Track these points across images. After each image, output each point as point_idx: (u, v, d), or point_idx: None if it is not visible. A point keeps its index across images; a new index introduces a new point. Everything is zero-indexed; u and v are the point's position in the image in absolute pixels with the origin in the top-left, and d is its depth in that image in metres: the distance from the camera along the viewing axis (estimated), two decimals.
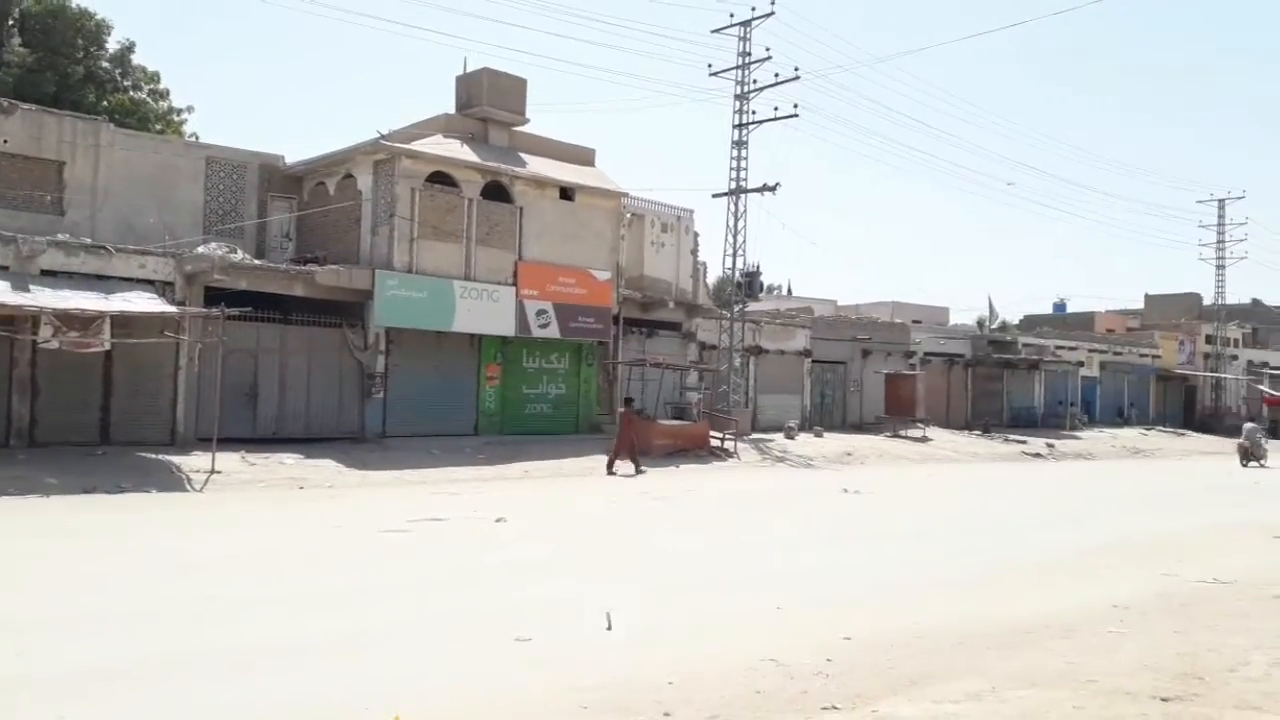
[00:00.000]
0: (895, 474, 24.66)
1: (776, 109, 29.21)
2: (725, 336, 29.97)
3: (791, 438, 29.53)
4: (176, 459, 17.59)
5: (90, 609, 7.50)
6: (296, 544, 11.35)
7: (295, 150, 54.04)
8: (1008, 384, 42.03)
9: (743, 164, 29.62)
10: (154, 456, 17.71)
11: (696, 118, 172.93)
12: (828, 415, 34.91)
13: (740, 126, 29.58)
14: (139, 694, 5.49)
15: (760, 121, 29.48)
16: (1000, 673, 6.19)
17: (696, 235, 30.79)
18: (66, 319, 16.40)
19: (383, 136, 22.87)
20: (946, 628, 7.40)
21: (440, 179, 23.49)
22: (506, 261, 24.51)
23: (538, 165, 25.81)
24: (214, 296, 19.20)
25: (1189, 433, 47.31)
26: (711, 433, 26.63)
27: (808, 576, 9.69)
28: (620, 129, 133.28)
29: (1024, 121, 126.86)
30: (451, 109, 25.91)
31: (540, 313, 24.94)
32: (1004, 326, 55.78)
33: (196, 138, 33.97)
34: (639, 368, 26.38)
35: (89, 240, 19.60)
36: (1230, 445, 42.34)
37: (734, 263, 30.06)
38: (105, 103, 32.78)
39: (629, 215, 27.96)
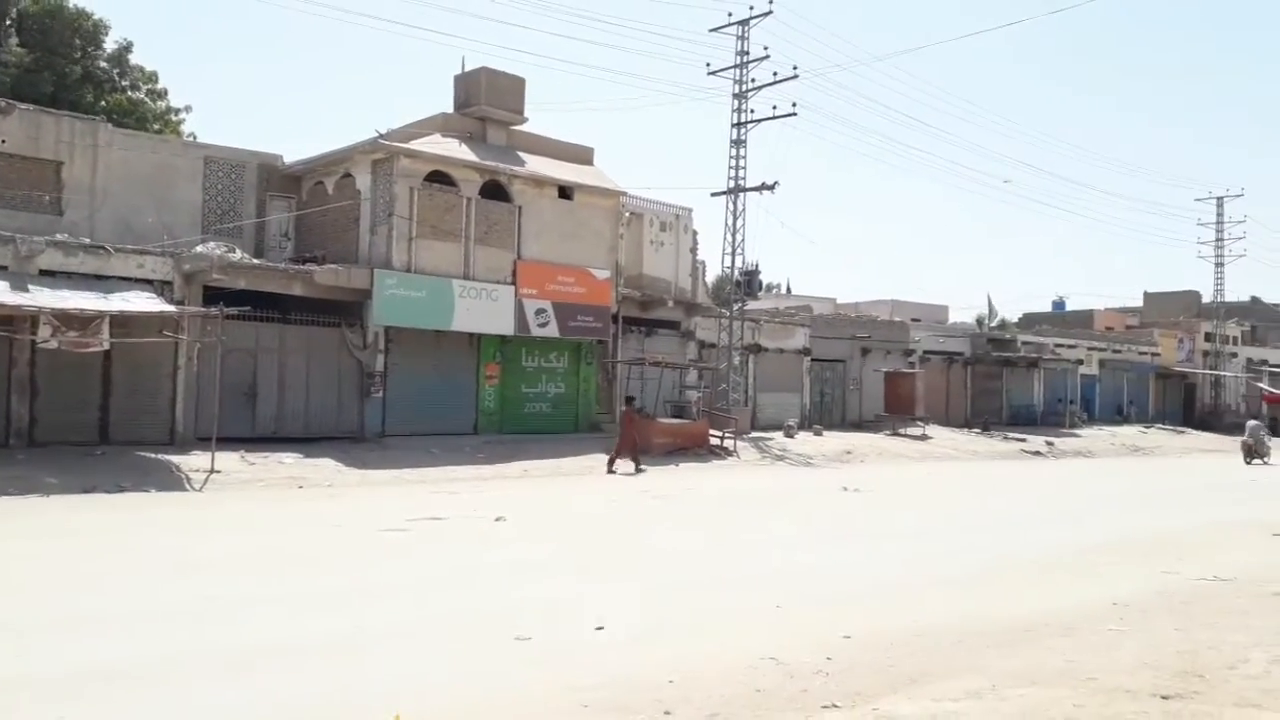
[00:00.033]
0: (895, 472, 24.67)
1: (775, 108, 29.28)
2: (724, 335, 29.97)
3: (791, 436, 29.53)
4: (176, 458, 17.58)
5: (90, 609, 7.49)
6: (296, 543, 11.34)
7: (294, 150, 54.03)
8: (1007, 382, 42.04)
9: (741, 163, 29.64)
10: (153, 456, 17.71)
11: (695, 117, 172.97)
12: (827, 413, 34.92)
13: (739, 125, 29.59)
14: (138, 694, 5.48)
15: (759, 120, 29.50)
16: (1000, 671, 6.18)
17: (695, 234, 30.80)
18: (65, 319, 16.40)
19: (381, 136, 22.86)
20: (946, 626, 7.39)
21: (439, 178, 23.48)
22: (505, 261, 24.51)
23: (536, 164, 25.80)
24: (213, 296, 19.19)
25: (1188, 430, 47.33)
26: (711, 431, 26.63)
27: (807, 575, 9.69)
28: (619, 128, 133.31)
29: (1022, 120, 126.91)
30: (450, 108, 25.91)
31: (539, 312, 24.93)
32: (1003, 325, 55.79)
33: (194, 137, 33.93)
34: (638, 366, 26.38)
35: (87, 240, 19.59)
36: (1229, 443, 42.41)
37: (733, 261, 30.10)
38: (103, 102, 32.74)
39: (628, 214, 27.95)
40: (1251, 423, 31.88)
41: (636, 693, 5.59)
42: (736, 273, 30.23)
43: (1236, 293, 62.73)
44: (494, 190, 24.56)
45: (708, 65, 29.91)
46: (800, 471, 24.47)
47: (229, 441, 18.24)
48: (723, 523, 14.12)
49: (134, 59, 35.23)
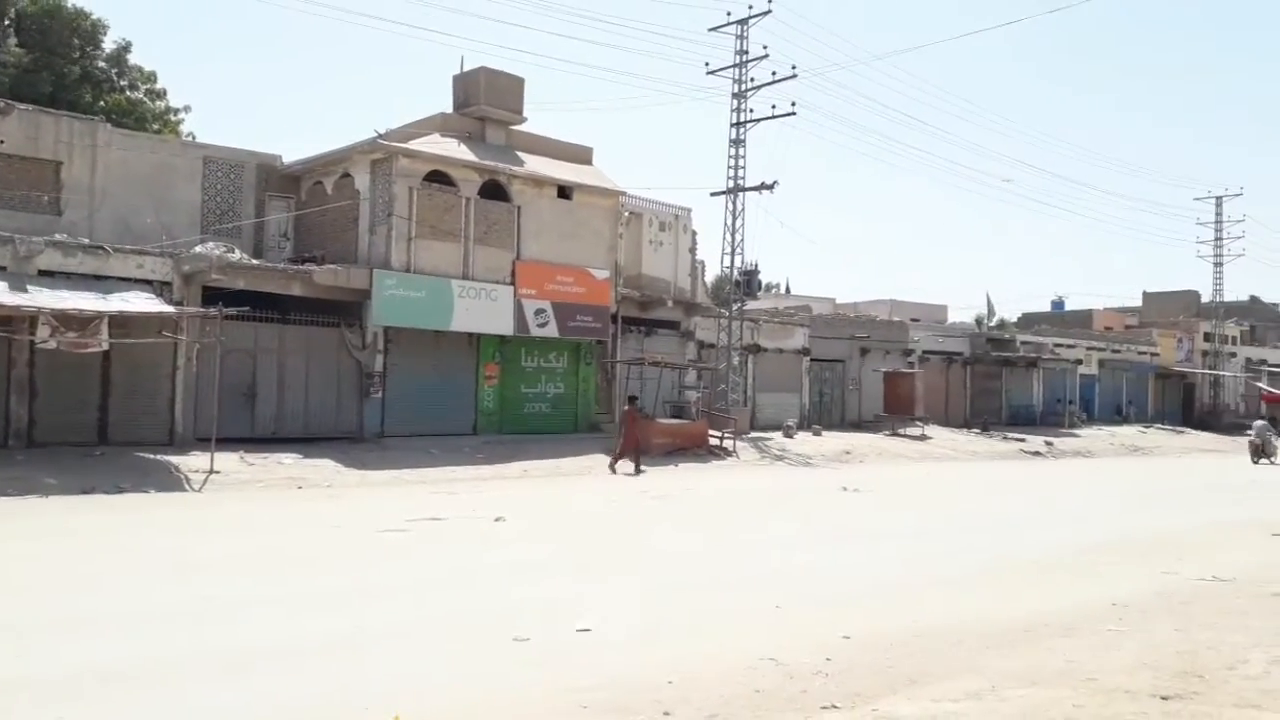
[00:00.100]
0: (894, 472, 24.67)
1: (774, 107, 29.29)
2: (724, 335, 29.97)
3: (790, 436, 29.54)
4: (175, 459, 17.58)
5: (89, 610, 7.49)
6: (295, 544, 11.34)
7: (292, 150, 54.07)
8: (1006, 382, 42.05)
9: (741, 162, 29.64)
10: (152, 457, 17.70)
11: (694, 116, 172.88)
12: (826, 413, 34.93)
13: (738, 125, 29.59)
14: (137, 695, 5.48)
15: (758, 120, 29.51)
16: (1000, 671, 6.18)
17: (695, 234, 30.80)
18: (64, 319, 16.39)
19: (380, 136, 22.85)
20: (946, 626, 7.39)
21: (438, 178, 23.48)
22: (504, 260, 24.50)
23: (535, 164, 25.79)
24: (212, 296, 19.19)
25: (1188, 430, 47.35)
26: (710, 431, 26.63)
27: (806, 575, 9.69)
28: (618, 128, 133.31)
29: (1021, 119, 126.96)
30: (449, 108, 25.90)
31: (538, 312, 24.93)
32: (1002, 324, 55.81)
33: (193, 137, 33.92)
34: (637, 366, 26.38)
35: (86, 240, 19.58)
36: (1228, 443, 42.51)
37: (732, 261, 30.10)
38: (102, 103, 32.73)
39: (627, 214, 27.95)
40: (1258, 423, 31.87)
41: (635, 693, 5.58)
42: (736, 272, 30.24)
43: (1235, 292, 62.77)
44: (493, 190, 24.56)
45: (707, 65, 29.96)
46: (799, 472, 24.47)
47: (228, 442, 18.22)
48: (722, 523, 14.12)
49: (133, 59, 35.26)
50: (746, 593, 8.64)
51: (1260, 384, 53.68)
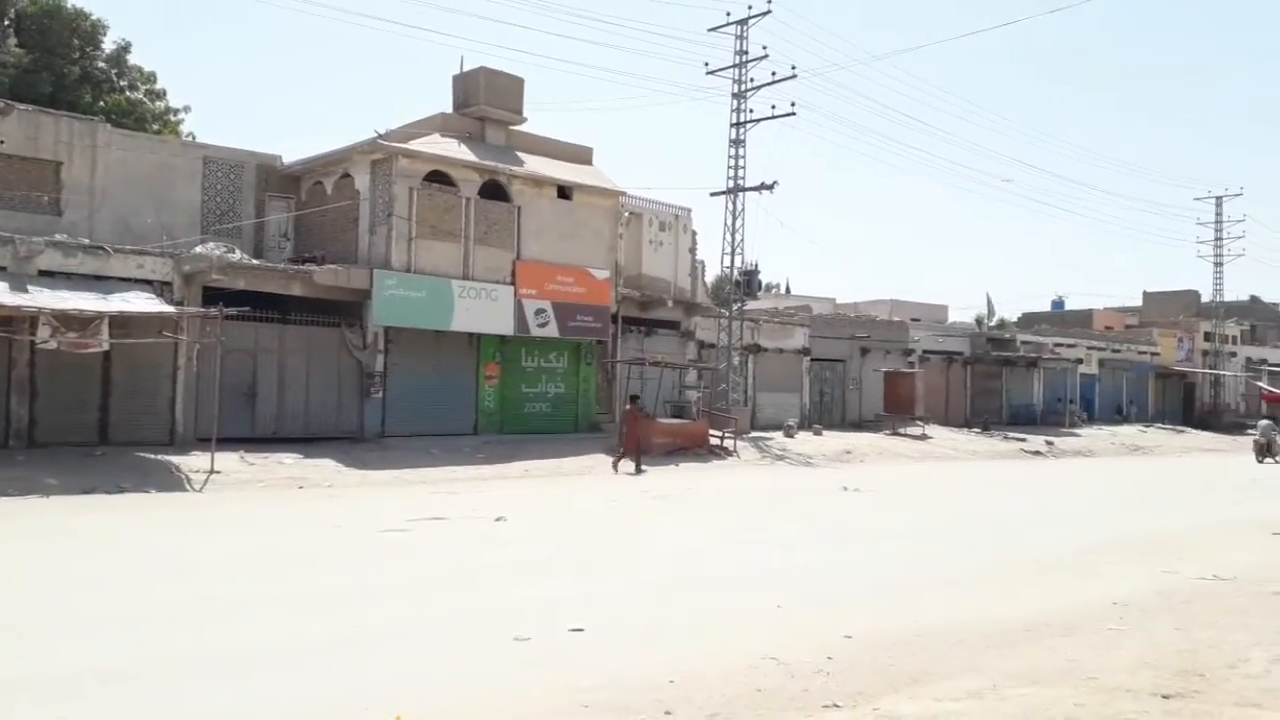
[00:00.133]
0: (894, 472, 24.67)
1: (774, 107, 29.31)
2: (724, 335, 29.97)
3: (791, 436, 29.54)
4: (176, 459, 17.58)
5: (89, 610, 7.49)
6: (296, 544, 11.34)
7: (292, 150, 54.04)
8: (1007, 382, 42.05)
9: (740, 162, 29.65)
10: (153, 457, 17.70)
11: (694, 116, 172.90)
12: (827, 413, 34.93)
13: (738, 125, 29.59)
14: (137, 695, 5.47)
15: (758, 120, 29.52)
16: (1001, 670, 6.18)
17: (695, 234, 30.80)
18: (65, 319, 16.39)
19: (380, 136, 22.85)
20: (947, 626, 7.39)
21: (438, 178, 23.48)
22: (505, 260, 24.51)
23: (535, 164, 25.80)
24: (212, 296, 19.19)
25: (1188, 430, 47.35)
26: (711, 431, 26.64)
27: (808, 575, 9.69)
28: (618, 128, 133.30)
29: (1021, 119, 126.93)
30: (449, 108, 25.90)
31: (539, 312, 24.93)
32: (1002, 324, 55.80)
33: (193, 138, 33.92)
34: (638, 366, 26.38)
35: (87, 240, 19.58)
36: (1229, 442, 42.55)
37: (732, 261, 30.11)
38: (102, 103, 32.72)
39: (627, 214, 27.95)
40: (1263, 422, 31.85)
41: (637, 693, 5.58)
42: (736, 272, 30.25)
43: (1236, 292, 62.75)
44: (493, 190, 24.56)
45: (706, 65, 29.97)
46: (800, 471, 24.47)
47: (229, 442, 18.23)
48: (723, 523, 14.12)
49: (132, 59, 35.25)
50: (748, 592, 8.64)
51: (1260, 383, 53.68)
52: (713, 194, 30.29)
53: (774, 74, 29.12)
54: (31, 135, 21.23)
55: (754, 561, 10.47)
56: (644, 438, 22.74)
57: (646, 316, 28.90)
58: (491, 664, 6.23)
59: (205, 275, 19.90)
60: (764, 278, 43.62)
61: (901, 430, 33.66)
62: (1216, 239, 52.51)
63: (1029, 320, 58.24)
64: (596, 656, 6.40)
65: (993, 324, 53.82)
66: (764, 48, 29.38)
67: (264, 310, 20.49)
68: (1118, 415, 47.00)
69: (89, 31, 33.56)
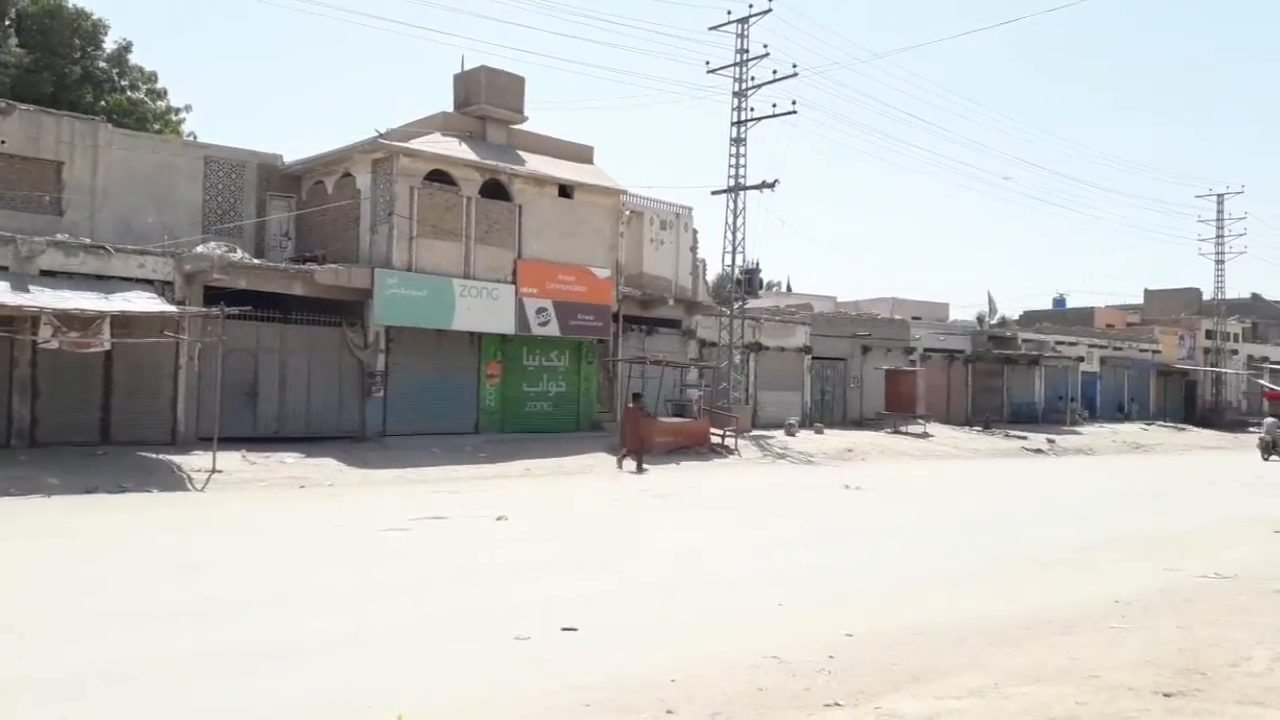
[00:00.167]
0: (896, 470, 24.67)
1: (775, 106, 29.30)
2: (725, 333, 29.97)
3: (792, 434, 29.54)
4: (177, 458, 17.59)
5: (91, 610, 7.49)
6: (297, 543, 11.35)
7: (293, 149, 54.04)
8: (1008, 380, 42.03)
9: (741, 161, 29.63)
10: (155, 456, 17.71)
11: (695, 115, 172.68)
12: (828, 411, 34.92)
13: (739, 123, 29.58)
14: (140, 695, 5.48)
15: (759, 118, 29.50)
16: (1002, 668, 6.18)
17: (696, 232, 30.80)
18: (66, 319, 16.40)
19: (381, 135, 22.84)
20: (948, 624, 7.39)
21: (439, 177, 23.48)
22: (506, 259, 24.51)
23: (536, 163, 25.79)
24: (213, 296, 19.20)
25: (1189, 427, 47.31)
26: (712, 430, 26.63)
27: (809, 573, 9.69)
28: (618, 126, 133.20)
29: (1022, 117, 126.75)
30: (449, 107, 25.89)
31: (540, 310, 24.93)
32: (1004, 322, 55.78)
33: (194, 137, 33.94)
34: (639, 365, 26.38)
35: (88, 240, 19.60)
36: (1230, 440, 42.53)
37: (733, 260, 30.11)
38: (103, 103, 32.73)
39: (628, 213, 27.94)
40: (1269, 420, 31.80)
41: (638, 692, 5.58)
42: (737, 271, 30.24)
43: (1237, 289, 62.68)
44: (494, 189, 24.56)
45: (707, 64, 29.94)
46: (801, 469, 24.47)
47: (230, 441, 18.24)
48: (724, 521, 14.13)
49: (133, 59, 35.26)
50: (749, 591, 8.64)
51: (1262, 381, 53.63)
52: (714, 192, 30.31)
53: (775, 72, 29.14)
54: (33, 135, 21.24)
55: (755, 560, 10.47)
56: (646, 436, 22.75)
57: (648, 315, 28.90)
58: (493, 663, 6.23)
59: (206, 275, 19.91)
60: (765, 276, 43.75)
61: (903, 428, 33.65)
62: (1218, 236, 52.47)
63: (1030, 318, 58.20)
64: (598, 655, 6.40)
65: (994, 322, 53.82)
66: (765, 46, 29.40)
67: (265, 310, 20.50)
68: (1119, 413, 46.98)
69: (90, 31, 33.57)
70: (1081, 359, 45.42)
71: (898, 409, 34.57)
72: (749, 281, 30.89)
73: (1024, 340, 44.11)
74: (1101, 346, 47.89)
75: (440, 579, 9.16)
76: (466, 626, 7.20)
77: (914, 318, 41.75)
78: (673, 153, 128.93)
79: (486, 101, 25.41)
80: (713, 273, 39.02)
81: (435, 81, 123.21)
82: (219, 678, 5.84)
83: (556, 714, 5.28)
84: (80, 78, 32.74)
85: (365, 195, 23.04)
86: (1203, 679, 6.02)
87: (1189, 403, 52.13)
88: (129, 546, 10.81)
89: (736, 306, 30.13)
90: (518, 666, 6.14)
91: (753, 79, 29.39)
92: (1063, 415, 42.36)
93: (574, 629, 7.01)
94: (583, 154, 27.78)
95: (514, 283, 24.45)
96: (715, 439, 26.37)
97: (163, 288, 19.25)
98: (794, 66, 29.18)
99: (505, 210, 24.63)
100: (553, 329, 25.28)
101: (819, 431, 30.82)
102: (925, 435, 32.99)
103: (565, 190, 25.91)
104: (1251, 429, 46.90)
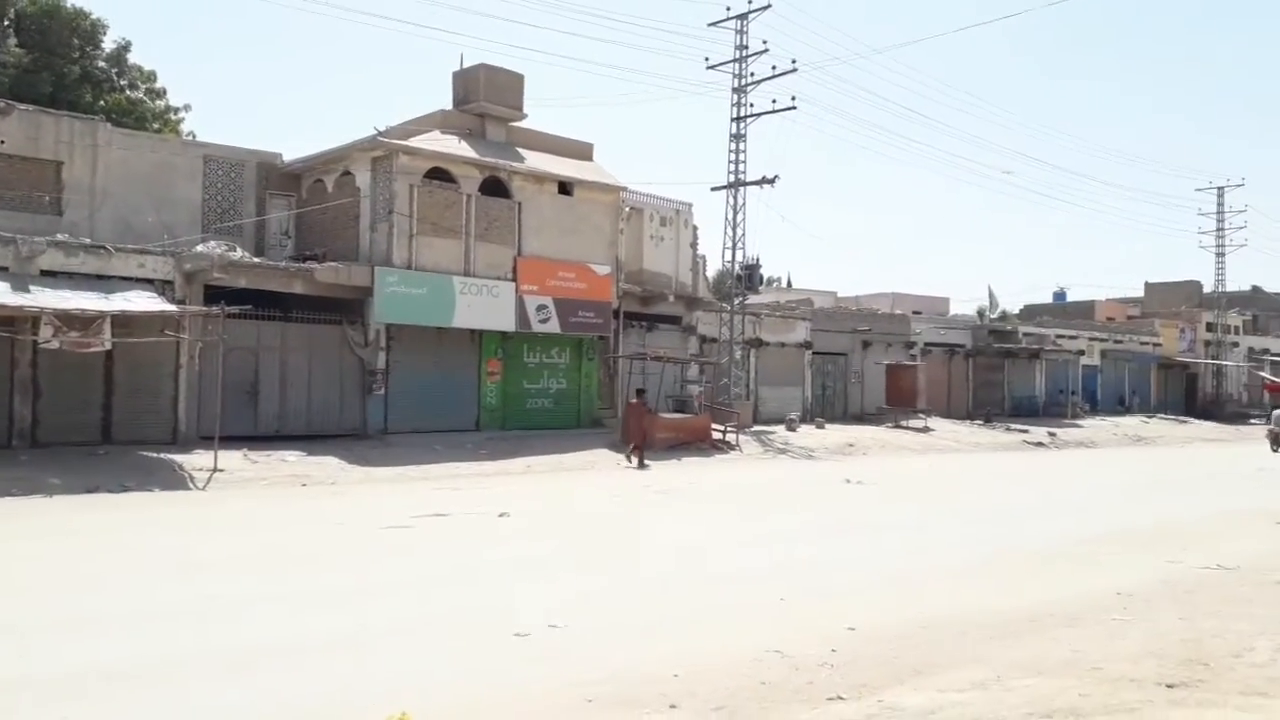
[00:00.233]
0: (897, 464, 24.67)
1: (775, 101, 29.23)
2: (725, 329, 29.96)
3: (793, 429, 29.53)
4: (179, 458, 17.60)
5: (92, 609, 7.50)
6: (299, 541, 11.35)
7: (293, 148, 53.98)
8: (1009, 373, 42.01)
9: (741, 157, 29.59)
10: (156, 455, 17.72)
11: (694, 111, 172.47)
12: (829, 407, 34.91)
13: (738, 119, 29.53)
14: (141, 694, 5.48)
15: (758, 114, 29.44)
16: (1005, 661, 6.18)
17: (696, 228, 30.77)
18: (67, 319, 16.40)
19: (380, 133, 22.82)
20: (950, 617, 7.39)
21: (438, 175, 23.46)
22: (506, 257, 24.49)
23: (536, 160, 25.77)
24: (214, 295, 19.20)
25: (1191, 420, 47.29)
26: (713, 425, 26.62)
27: (811, 568, 9.69)
28: (618, 123, 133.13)
29: (1022, 111, 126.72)
30: (449, 105, 25.85)
31: (540, 308, 24.92)
32: (1004, 316, 55.71)
33: (194, 136, 33.89)
34: (640, 361, 26.37)
35: (88, 240, 19.59)
36: (1231, 432, 42.54)
37: (733, 255, 30.07)
38: (102, 102, 32.70)
39: (628, 209, 27.92)
40: (1276, 412, 31.79)
41: (641, 686, 5.59)
42: (737, 267, 30.21)
43: (1237, 282, 62.66)
44: (494, 186, 24.54)
45: (707, 60, 29.86)
46: (802, 465, 24.46)
47: (232, 440, 18.25)
48: (725, 517, 14.13)
49: (132, 58, 35.20)
50: (751, 586, 8.65)
51: (1263, 373, 53.62)
52: (714, 189, 30.27)
53: (774, 68, 29.08)
54: (32, 135, 21.23)
55: (757, 555, 10.47)
56: (647, 432, 22.75)
57: (648, 312, 28.89)
58: (495, 660, 6.23)
59: (207, 274, 19.90)
60: (765, 272, 43.54)
61: (903, 423, 33.63)
62: (1218, 229, 52.43)
63: (1031, 312, 58.15)
64: (600, 651, 6.40)
65: (994, 316, 53.73)
66: (764, 42, 29.33)
67: (265, 308, 20.49)
68: (1120, 406, 46.95)
69: (89, 31, 33.53)
70: (1082, 352, 45.40)
71: (898, 404, 34.55)
72: (749, 277, 30.86)
73: (1024, 334, 44.07)
74: (1102, 340, 47.85)
75: (442, 576, 9.16)
76: (468, 624, 7.20)
77: (914, 312, 41.74)
78: (672, 149, 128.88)
79: (486, 99, 25.37)
80: (713, 269, 39.02)
81: (435, 80, 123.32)
82: (220, 677, 5.84)
83: (559, 710, 5.28)
84: (79, 77, 32.70)
85: (365, 193, 23.03)
86: (1205, 670, 6.02)
87: (1190, 395, 52.11)
88: (130, 546, 10.81)
89: (737, 302, 30.11)
90: (520, 663, 6.14)
91: (752, 75, 29.37)
92: (1064, 409, 42.34)
93: (575, 625, 7.01)
94: (582, 151, 27.75)
95: (514, 280, 24.44)
96: (716, 435, 26.36)
97: (163, 287, 19.25)
98: (793, 62, 29.13)
99: (505, 207, 24.62)
100: (553, 326, 25.27)
101: (820, 427, 30.82)
102: (926, 430, 32.98)
103: (565, 187, 25.89)
104: (1253, 421, 46.91)
